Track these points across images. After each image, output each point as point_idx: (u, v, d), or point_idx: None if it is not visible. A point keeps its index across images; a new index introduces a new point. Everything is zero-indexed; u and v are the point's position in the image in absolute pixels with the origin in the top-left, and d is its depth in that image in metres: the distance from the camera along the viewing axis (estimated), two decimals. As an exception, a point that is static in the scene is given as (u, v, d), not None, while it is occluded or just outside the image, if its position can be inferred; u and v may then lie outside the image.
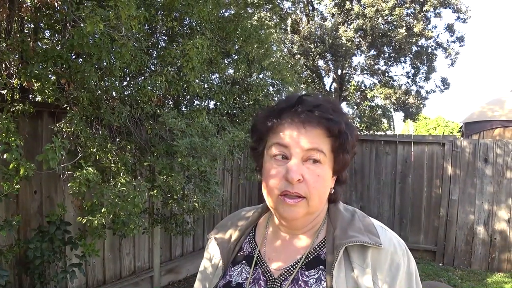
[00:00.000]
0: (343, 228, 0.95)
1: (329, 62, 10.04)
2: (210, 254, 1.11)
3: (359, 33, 10.36)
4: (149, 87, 2.90)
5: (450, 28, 12.81)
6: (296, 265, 0.95)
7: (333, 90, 12.88)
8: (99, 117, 2.86)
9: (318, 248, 0.97)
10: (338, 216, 0.99)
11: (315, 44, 9.50)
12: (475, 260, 6.08)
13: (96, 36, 2.48)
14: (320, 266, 0.93)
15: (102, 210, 2.51)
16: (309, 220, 0.97)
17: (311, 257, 0.96)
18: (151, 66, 3.36)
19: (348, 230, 0.94)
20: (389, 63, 13.09)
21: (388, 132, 14.49)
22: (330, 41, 9.09)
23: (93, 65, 2.58)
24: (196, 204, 3.09)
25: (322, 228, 0.99)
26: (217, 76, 4.73)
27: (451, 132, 24.58)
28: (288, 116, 0.92)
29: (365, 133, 9.70)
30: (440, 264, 6.15)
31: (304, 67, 10.36)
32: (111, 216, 2.53)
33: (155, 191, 2.85)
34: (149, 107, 2.95)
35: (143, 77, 3.17)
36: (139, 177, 3.16)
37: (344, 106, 13.44)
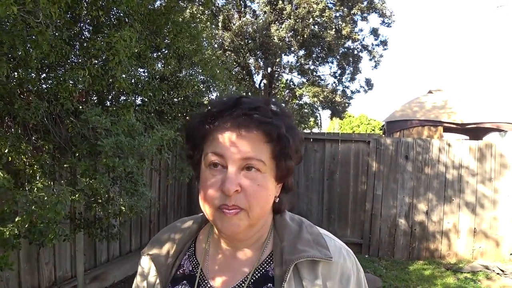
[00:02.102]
0: (291, 241, 0.90)
1: (260, 59, 10.08)
2: (144, 272, 1.00)
3: (290, 33, 10.54)
4: (70, 81, 2.67)
5: (375, 32, 13.48)
6: (243, 284, 0.89)
7: (262, 88, 13.03)
8: (11, 113, 2.58)
9: (265, 264, 0.91)
10: (284, 227, 0.94)
11: (246, 41, 9.51)
12: (397, 250, 6.45)
13: (8, 21, 2.23)
14: (269, 284, 0.88)
15: (16, 219, 2.25)
16: (252, 232, 0.90)
17: (258, 274, 0.90)
18: (73, 58, 3.10)
19: (297, 243, 0.89)
20: (317, 63, 13.52)
21: (315, 130, 14.98)
22: (261, 39, 9.14)
23: (5, 54, 2.31)
24: (123, 208, 2.90)
25: (269, 240, 0.94)
26: (145, 71, 4.55)
27: (373, 130, 26.04)
28: (223, 121, 0.84)
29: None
30: (366, 256, 6.45)
31: (235, 64, 10.33)
32: (26, 226, 2.27)
33: (77, 195, 2.62)
34: (70, 103, 2.70)
35: (63, 70, 2.92)
36: (60, 180, 2.91)
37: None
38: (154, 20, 4.11)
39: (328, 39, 10.48)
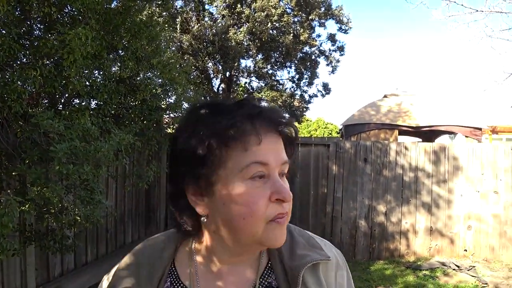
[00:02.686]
0: (288, 248, 0.85)
1: (218, 63, 10.02)
2: None
3: (248, 36, 10.54)
4: (19, 82, 2.48)
5: (332, 38, 13.76)
6: None
7: (221, 92, 12.95)
8: (-49, 117, 2.37)
9: (266, 276, 0.84)
10: None
11: (205, 45, 9.41)
12: (358, 251, 6.54)
13: None
14: None
15: (-44, 234, 2.04)
16: None
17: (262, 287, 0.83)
18: (23, 57, 2.90)
19: (295, 249, 0.85)
20: (276, 67, 13.62)
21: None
22: (220, 42, 9.07)
23: None
24: (78, 217, 2.72)
25: (264, 250, 0.87)
26: (101, 72, 4.35)
27: (330, 133, 26.56)
28: (253, 126, 0.74)
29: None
30: (327, 259, 6.49)
31: (193, 67, 10.20)
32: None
33: (26, 206, 2.41)
34: (18, 105, 2.50)
35: (12, 70, 2.71)
36: (7, 190, 2.69)
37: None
38: (110, 19, 3.93)
39: (286, 43, 10.56)
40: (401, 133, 10.76)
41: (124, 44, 4.31)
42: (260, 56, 11.56)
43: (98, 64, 3.78)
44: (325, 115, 42.10)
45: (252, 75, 13.66)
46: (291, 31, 11.25)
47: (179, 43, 10.01)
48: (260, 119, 0.75)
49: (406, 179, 6.48)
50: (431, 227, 6.46)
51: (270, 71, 13.87)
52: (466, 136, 10.16)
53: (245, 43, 10.70)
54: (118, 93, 4.04)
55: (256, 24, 10.36)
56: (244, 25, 10.70)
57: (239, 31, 10.47)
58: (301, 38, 11.62)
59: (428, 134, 11.72)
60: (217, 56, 9.53)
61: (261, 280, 0.83)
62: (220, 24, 9.19)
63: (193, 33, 9.48)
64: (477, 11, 6.46)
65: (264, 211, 0.74)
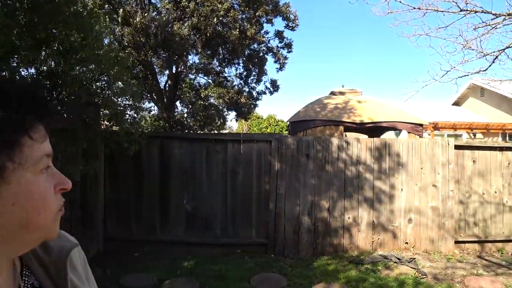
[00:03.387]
0: None
1: (163, 58, 9.61)
2: None
3: (193, 31, 10.23)
4: None
5: (279, 35, 13.71)
6: None
7: (167, 88, 12.55)
8: None
9: (26, 278, 0.77)
10: None
11: (147, 38, 9.00)
12: (302, 247, 6.45)
13: None
14: None
15: None
16: None
17: None
18: None
19: (46, 241, 0.80)
20: (224, 63, 13.39)
21: (226, 131, 14.85)
22: (163, 35, 8.71)
23: None
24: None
25: None
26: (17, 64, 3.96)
27: (281, 130, 26.62)
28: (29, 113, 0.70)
29: (200, 131, 9.67)
30: (272, 256, 6.36)
31: (136, 62, 9.75)
32: None
33: None
34: None
35: None
36: None
37: (178, 104, 13.26)
38: (36, 7, 3.56)
39: (232, 38, 10.35)
40: (347, 129, 10.87)
41: (50, 34, 3.94)
42: (207, 52, 11.26)
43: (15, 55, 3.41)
44: (276, 112, 42.46)
45: (200, 72, 13.37)
46: (237, 27, 11.06)
47: (120, 37, 9.53)
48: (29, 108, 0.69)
49: (349, 174, 6.47)
50: (373, 221, 6.48)
51: (218, 68, 13.64)
52: (409, 132, 10.42)
53: (190, 39, 10.38)
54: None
55: (201, 19, 10.08)
56: (189, 19, 10.38)
57: (184, 26, 10.15)
58: (248, 33, 11.45)
59: (373, 131, 11.94)
60: (160, 51, 9.13)
61: (23, 283, 0.76)
62: (164, 18, 8.80)
63: (135, 25, 9.04)
64: (414, 8, 6.57)
65: (55, 203, 0.73)
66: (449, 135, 18.09)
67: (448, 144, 6.65)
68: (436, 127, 15.78)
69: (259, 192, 6.53)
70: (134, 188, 6.71)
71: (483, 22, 6.38)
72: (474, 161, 6.80)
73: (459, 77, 7.25)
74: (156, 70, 10.85)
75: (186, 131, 9.77)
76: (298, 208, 6.42)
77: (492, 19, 6.16)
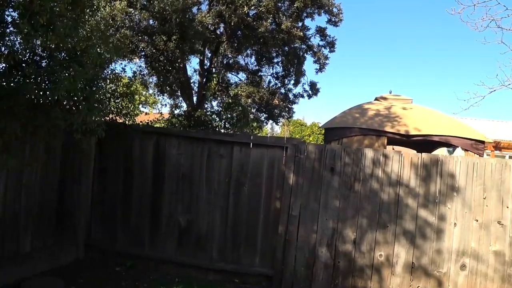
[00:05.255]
0: None
1: (181, 47, 8.45)
2: None
3: (218, 19, 9.05)
4: None
5: (321, 32, 12.30)
6: None
7: (197, 83, 11.47)
8: None
9: None
10: None
11: (163, 23, 7.87)
12: (316, 287, 5.02)
13: None
14: None
15: None
16: None
17: None
18: None
19: None
20: (261, 62, 12.16)
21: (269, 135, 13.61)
22: (177, 19, 7.55)
23: None
24: None
25: None
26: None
27: (324, 139, 24.76)
28: None
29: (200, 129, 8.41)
30: (277, 293, 5.00)
31: (155, 50, 8.67)
32: None
33: None
34: None
35: None
36: None
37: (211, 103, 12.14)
38: None
39: (261, 30, 9.06)
40: (391, 142, 9.28)
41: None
42: (233, 44, 10.02)
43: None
44: (322, 120, 40.66)
45: (233, 69, 12.19)
46: (270, 18, 9.77)
47: (136, 22, 8.51)
48: None
49: (385, 197, 4.98)
50: (413, 263, 4.94)
51: (255, 66, 12.42)
52: (466, 150, 8.68)
53: (214, 28, 9.22)
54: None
55: (228, 6, 8.85)
56: (215, 6, 9.21)
57: (208, 14, 8.98)
58: (283, 26, 10.12)
59: (422, 146, 10.24)
60: (175, 38, 7.98)
61: None
62: (181, 1, 7.66)
63: (152, 9, 7.95)
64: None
65: None
66: (510, 157, 15.90)
67: (523, 168, 5.01)
68: (497, 146, 13.72)
69: (267, 210, 5.18)
70: (123, 190, 5.66)
71: None
72: (557, 193, 5.11)
73: None
74: (178, 61, 9.73)
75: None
76: (314, 235, 5.01)
77: None
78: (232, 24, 8.78)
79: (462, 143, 8.62)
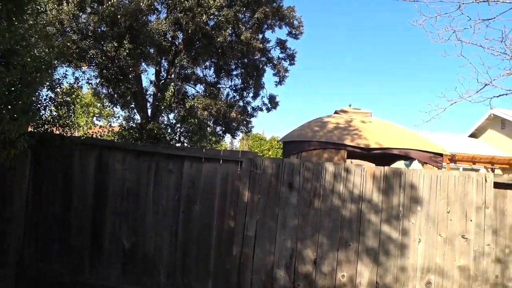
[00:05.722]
0: None
1: (135, 53, 7.96)
2: None
3: (174, 27, 8.64)
4: None
5: (281, 44, 12.13)
6: None
7: (151, 94, 10.91)
8: None
9: None
10: None
11: (112, 27, 7.35)
12: (275, 313, 4.62)
13: None
14: None
15: None
16: None
17: None
18: None
19: None
20: (220, 73, 11.80)
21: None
22: (127, 22, 7.07)
23: None
24: None
25: None
26: None
27: (283, 153, 24.49)
28: None
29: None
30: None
31: (104, 58, 8.12)
32: None
33: None
34: None
35: None
36: None
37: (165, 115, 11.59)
38: None
39: (219, 40, 8.72)
40: (351, 155, 9.10)
41: None
42: (189, 53, 9.61)
43: None
44: (280, 133, 40.65)
45: (189, 80, 11.75)
46: (229, 27, 9.46)
47: (84, 25, 7.94)
48: None
49: (346, 213, 4.68)
50: (377, 282, 4.64)
51: (214, 78, 12.04)
52: (425, 163, 8.63)
53: (169, 35, 8.79)
54: None
55: (185, 13, 8.47)
56: (172, 13, 8.80)
57: (164, 22, 8.55)
58: (242, 37, 9.84)
59: (381, 159, 10.15)
60: (126, 43, 7.49)
61: None
62: (133, 4, 7.21)
63: (102, 12, 7.42)
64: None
65: None
66: (464, 169, 16.24)
67: (486, 180, 4.86)
68: (452, 159, 13.94)
69: (221, 229, 4.74)
70: (60, 209, 5.07)
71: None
72: (517, 205, 5.00)
73: (494, 96, 5.58)
74: (131, 71, 9.19)
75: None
76: (272, 257, 4.61)
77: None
78: (190, 32, 8.38)
79: (421, 156, 8.56)
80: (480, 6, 4.89)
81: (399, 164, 15.32)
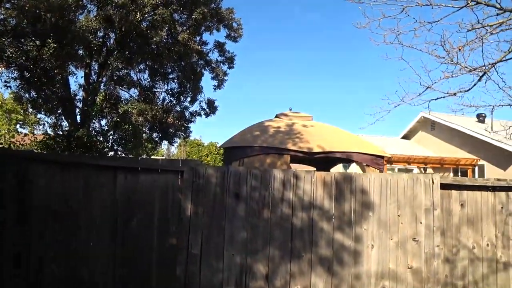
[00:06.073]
0: None
1: (61, 54, 7.19)
2: None
3: (105, 24, 7.97)
4: None
5: (220, 47, 11.77)
6: None
7: (81, 98, 10.06)
8: None
9: None
10: None
11: (35, 23, 6.57)
12: (225, 335, 4.21)
13: None
14: None
15: None
16: None
17: None
18: None
19: None
20: (155, 77, 11.19)
21: (158, 157, 12.41)
22: (52, 20, 6.35)
23: None
24: None
25: None
26: None
27: (223, 160, 23.83)
28: None
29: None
30: None
31: (19, 54, 7.25)
32: None
33: None
34: None
35: None
36: None
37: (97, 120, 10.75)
38: None
39: (156, 40, 8.19)
40: (294, 160, 8.95)
41: None
42: (122, 54, 8.96)
43: None
44: (219, 139, 40.14)
45: (124, 83, 11.01)
46: (167, 28, 8.95)
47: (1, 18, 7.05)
48: None
49: (298, 223, 4.40)
50: (331, 293, 4.41)
51: (149, 82, 11.38)
52: (367, 165, 8.66)
53: (101, 34, 8.11)
54: None
55: (120, 10, 7.84)
56: (102, 10, 8.12)
57: (94, 19, 7.86)
58: (180, 38, 9.37)
59: (324, 162, 10.13)
60: (51, 42, 6.74)
61: None
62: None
63: (23, 7, 6.61)
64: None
65: None
66: (399, 170, 16.83)
67: (433, 182, 4.82)
68: (389, 160, 14.33)
69: (162, 248, 4.26)
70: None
71: (478, 23, 4.74)
72: (462, 204, 5.03)
73: (432, 99, 5.62)
74: (57, 73, 8.36)
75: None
76: (220, 275, 4.21)
77: (498, 15, 4.52)
78: (123, 30, 7.76)
79: (363, 158, 8.58)
80: (423, 10, 4.86)
81: (338, 168, 15.56)
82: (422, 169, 16.99)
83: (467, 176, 14.83)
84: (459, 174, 16.26)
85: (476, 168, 16.01)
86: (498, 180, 5.33)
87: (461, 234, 4.97)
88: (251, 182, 4.32)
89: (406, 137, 20.57)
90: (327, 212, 4.46)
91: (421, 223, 4.69)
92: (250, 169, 4.36)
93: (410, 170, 17.11)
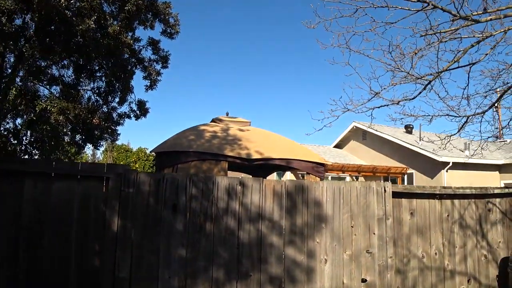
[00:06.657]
0: None
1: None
2: None
3: (22, 5, 6.90)
4: None
5: (154, 44, 10.92)
6: None
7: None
8: None
9: None
10: None
11: None
12: None
13: None
14: None
15: None
16: None
17: None
18: None
19: None
20: (80, 73, 10.09)
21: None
22: None
23: None
24: None
25: None
26: None
27: (152, 168, 22.61)
28: None
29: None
30: None
31: None
32: None
33: None
34: None
35: None
36: None
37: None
38: None
39: (82, 28, 7.25)
40: (232, 167, 8.40)
41: None
42: (42, 42, 7.86)
43: None
44: (148, 144, 38.52)
45: (43, 77, 9.76)
46: (95, 17, 8.00)
47: None
48: None
49: (245, 237, 3.86)
50: (280, 316, 3.91)
51: (74, 80, 10.22)
52: (307, 173, 8.35)
53: (19, 19, 7.03)
54: None
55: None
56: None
57: None
58: (110, 30, 8.45)
59: (262, 170, 9.69)
60: None
61: None
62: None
63: None
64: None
65: None
66: (333, 178, 16.98)
67: (385, 190, 4.54)
68: (325, 168, 14.32)
69: (81, 272, 3.50)
70: None
71: (430, 29, 4.55)
72: (412, 213, 4.84)
73: (376, 107, 5.41)
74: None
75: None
76: (153, 302, 3.54)
77: (453, 21, 4.34)
78: (43, 13, 6.75)
79: (303, 166, 8.25)
80: (377, 11, 4.56)
81: (273, 176, 15.27)
82: (354, 177, 17.27)
83: (397, 184, 15.28)
84: (390, 182, 16.74)
85: (405, 176, 16.57)
86: (444, 188, 5.23)
87: (411, 243, 4.78)
88: (191, 191, 3.70)
89: (338, 146, 20.93)
90: (278, 224, 3.97)
91: (374, 233, 4.38)
92: (190, 176, 3.74)
93: (343, 178, 17.32)
